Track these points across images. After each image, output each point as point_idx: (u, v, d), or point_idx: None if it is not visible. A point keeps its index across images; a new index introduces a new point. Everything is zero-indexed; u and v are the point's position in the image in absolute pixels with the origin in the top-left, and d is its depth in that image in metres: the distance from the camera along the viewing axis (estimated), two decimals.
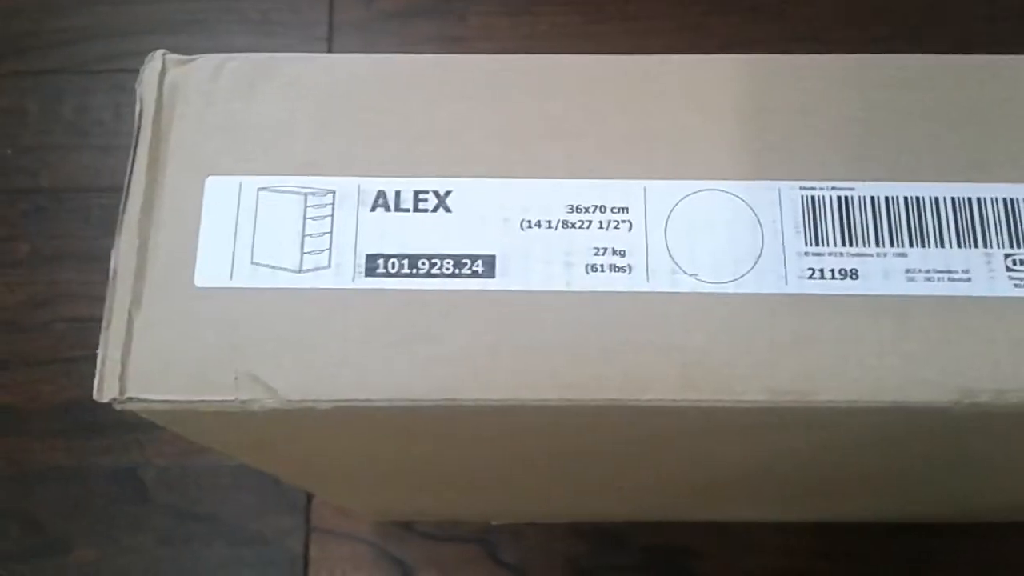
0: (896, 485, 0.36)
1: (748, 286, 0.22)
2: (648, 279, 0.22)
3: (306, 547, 0.56)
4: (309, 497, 0.55)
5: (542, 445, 0.27)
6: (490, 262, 0.22)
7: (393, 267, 0.21)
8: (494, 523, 0.57)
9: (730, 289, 0.22)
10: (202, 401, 0.20)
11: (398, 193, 0.22)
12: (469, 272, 0.21)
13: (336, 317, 0.21)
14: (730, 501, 0.44)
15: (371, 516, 0.56)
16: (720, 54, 0.24)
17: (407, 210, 0.22)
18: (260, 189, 0.22)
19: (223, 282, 0.21)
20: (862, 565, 0.54)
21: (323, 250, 0.21)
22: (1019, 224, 0.22)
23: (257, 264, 0.21)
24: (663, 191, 0.22)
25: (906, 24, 0.66)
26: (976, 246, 0.22)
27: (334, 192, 0.22)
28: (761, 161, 0.23)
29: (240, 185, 0.22)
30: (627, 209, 0.22)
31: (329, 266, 0.21)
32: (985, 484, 0.35)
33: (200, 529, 0.57)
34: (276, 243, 0.22)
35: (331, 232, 0.22)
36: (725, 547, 0.56)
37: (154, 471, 0.58)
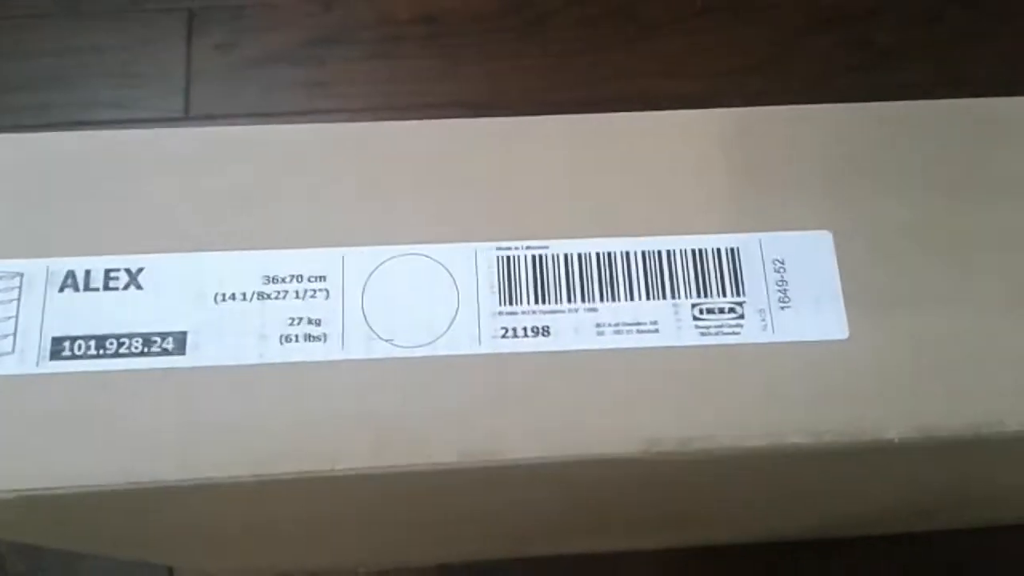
0: (712, 514, 0.36)
1: (443, 348, 0.22)
2: (343, 347, 0.22)
3: None
4: None
5: (293, 511, 0.26)
6: (180, 339, 0.22)
7: (79, 349, 0.21)
8: (361, 572, 0.56)
9: (425, 352, 0.22)
10: None
11: (88, 272, 0.22)
12: (159, 350, 0.21)
13: (18, 403, 0.21)
14: (575, 537, 0.44)
15: (234, 575, 0.55)
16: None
17: (97, 289, 0.22)
18: None
19: None
20: None
21: (7, 335, 0.21)
22: (706, 273, 0.23)
23: None
24: (362, 257, 0.23)
25: (763, 59, 0.68)
26: (665, 297, 0.22)
27: (22, 275, 0.22)
28: (460, 223, 0.23)
29: None
30: (325, 277, 0.22)
31: (13, 352, 0.21)
32: (758, 508, 0.36)
33: None
34: None
35: (16, 316, 0.21)
36: None
37: (8, 541, 0.57)
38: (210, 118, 0.67)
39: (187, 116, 0.67)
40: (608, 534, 0.44)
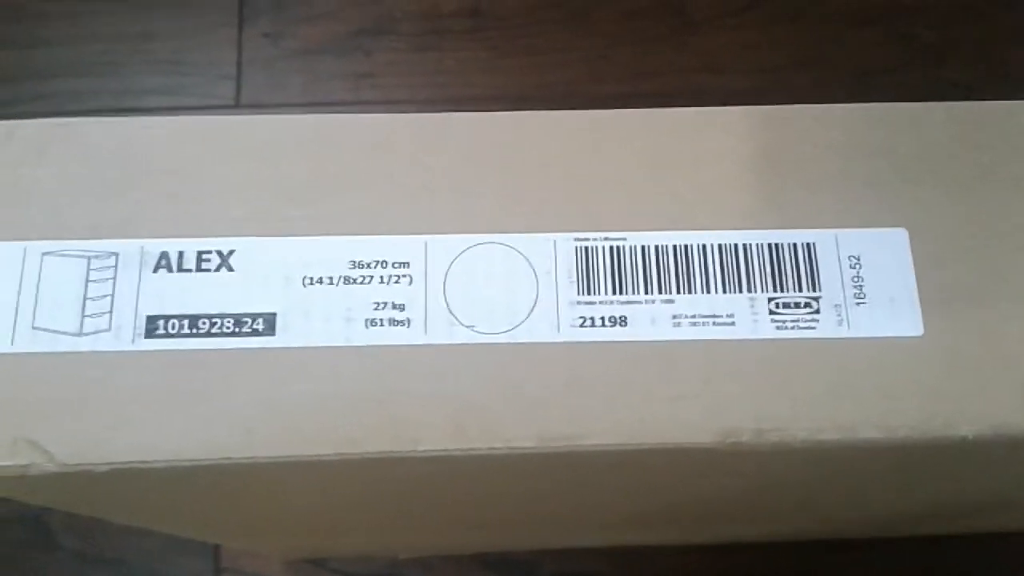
0: (767, 509, 0.37)
1: (522, 336, 0.22)
2: (426, 331, 0.22)
3: None
4: None
5: (378, 491, 0.27)
6: (270, 320, 0.22)
7: (173, 328, 0.22)
8: (402, 557, 0.57)
9: (505, 339, 0.22)
10: None
11: (181, 254, 0.23)
12: (249, 330, 0.22)
13: (114, 380, 0.22)
14: (621, 529, 0.45)
15: (281, 555, 0.56)
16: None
17: (190, 270, 0.22)
18: (44, 254, 0.22)
19: (3, 348, 0.22)
20: None
21: (104, 313, 0.22)
22: (782, 268, 0.23)
23: (38, 328, 0.22)
24: (444, 245, 0.23)
25: (810, 55, 0.67)
26: (741, 291, 0.23)
27: (117, 255, 0.23)
28: (538, 213, 0.23)
29: (25, 250, 0.22)
30: (408, 264, 0.23)
31: (110, 329, 0.22)
32: (838, 507, 0.36)
33: (107, 573, 0.57)
34: (58, 307, 0.22)
35: (113, 295, 0.22)
36: (631, 571, 0.56)
37: (59, 516, 0.58)
38: (260, 107, 0.68)
39: (238, 104, 0.68)
40: (651, 528, 0.44)
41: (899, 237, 0.23)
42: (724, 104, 0.24)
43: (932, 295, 0.23)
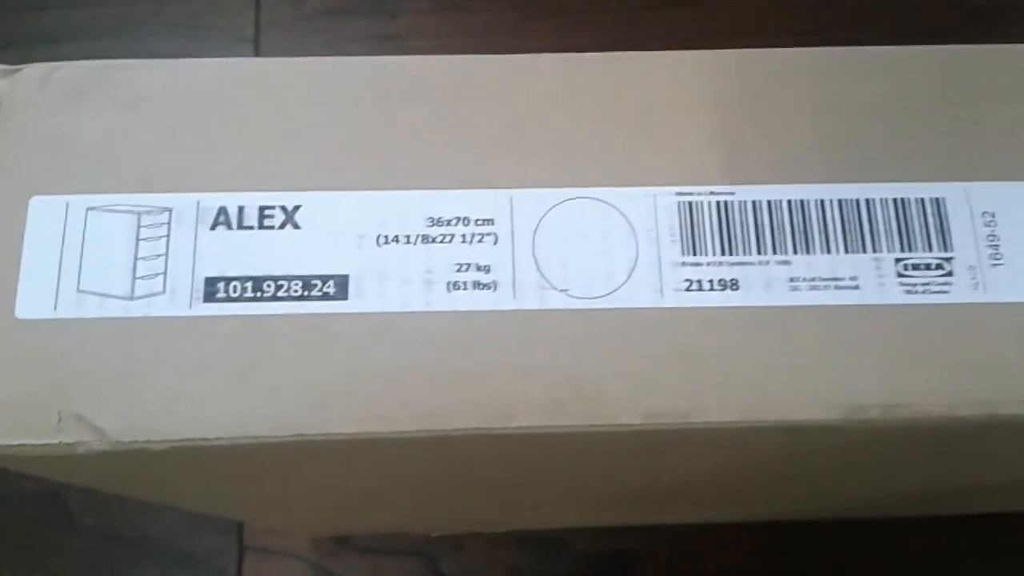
0: (830, 487, 0.35)
1: (622, 300, 0.20)
2: (514, 296, 0.20)
3: (239, 566, 0.55)
4: None
5: (452, 469, 0.25)
6: (342, 282, 0.20)
7: (235, 291, 0.20)
8: (434, 535, 0.55)
9: (602, 304, 0.20)
10: (22, 445, 0.19)
11: (241, 209, 0.20)
12: (319, 294, 0.20)
13: (170, 348, 0.19)
14: (668, 506, 0.43)
15: (307, 533, 0.54)
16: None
17: (251, 227, 0.20)
18: (89, 209, 0.20)
19: (46, 313, 0.19)
20: (806, 561, 0.53)
21: (157, 274, 0.20)
22: (910, 225, 0.21)
23: (84, 292, 0.19)
24: (531, 200, 0.21)
25: (845, 17, 0.65)
26: (865, 251, 0.20)
27: (171, 210, 0.20)
28: (637, 166, 0.21)
29: (67, 205, 0.20)
30: (492, 221, 0.21)
31: (164, 292, 0.20)
32: (926, 483, 0.34)
33: (128, 552, 0.55)
34: (106, 268, 0.20)
35: (166, 254, 0.20)
36: (668, 550, 0.54)
37: (77, 494, 0.56)
38: None
39: None
40: (701, 506, 0.42)
41: None
42: None
43: None
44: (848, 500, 0.40)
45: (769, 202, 0.21)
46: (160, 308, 0.20)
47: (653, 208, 0.21)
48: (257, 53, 0.67)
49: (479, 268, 0.20)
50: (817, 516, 0.50)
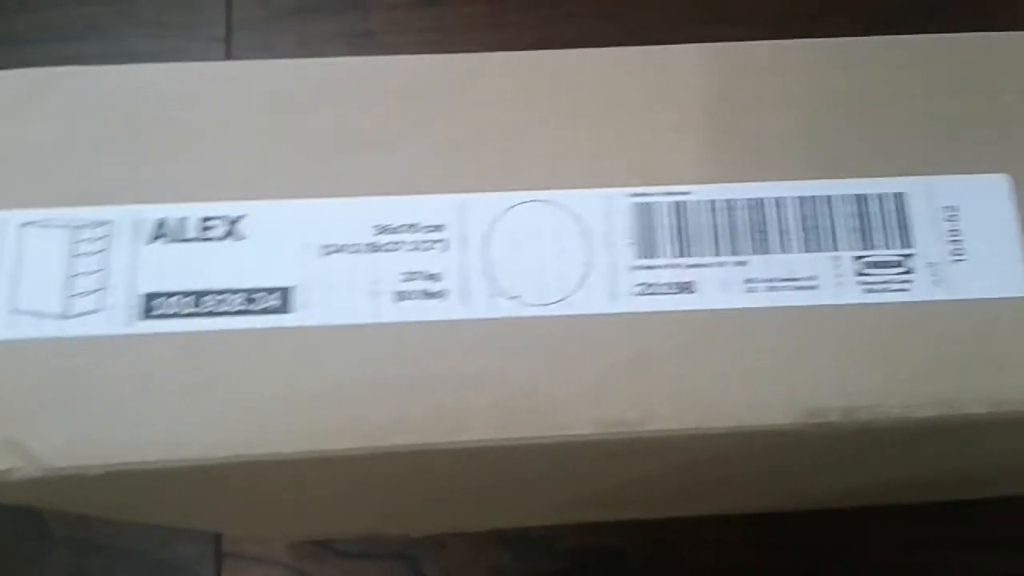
0: (802, 482, 0.34)
1: (574, 307, 0.19)
2: (464, 305, 0.19)
3: (218, 574, 0.54)
4: None
5: (409, 480, 0.24)
6: (286, 295, 0.19)
7: (174, 306, 0.19)
8: (414, 536, 0.55)
9: (555, 311, 0.19)
10: None
11: (182, 221, 0.20)
12: (262, 308, 0.19)
13: (107, 367, 0.19)
14: (640, 504, 0.42)
15: (285, 538, 0.54)
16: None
17: (192, 240, 0.19)
18: (24, 224, 0.19)
19: None
20: (795, 553, 0.52)
21: (94, 291, 0.19)
22: (870, 223, 0.20)
23: (18, 311, 0.19)
24: (483, 205, 0.20)
25: (829, 5, 0.64)
26: (823, 249, 0.20)
27: (109, 223, 0.19)
28: (593, 167, 0.20)
29: (3, 221, 0.19)
30: (443, 227, 0.20)
31: (101, 309, 0.19)
32: (898, 474, 0.34)
33: (104, 562, 0.54)
34: (41, 286, 0.19)
35: (104, 270, 0.19)
36: (652, 545, 0.54)
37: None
38: None
39: None
40: (676, 502, 0.42)
41: (1000, 184, 0.20)
42: None
43: None
44: (823, 493, 0.40)
45: (728, 201, 0.20)
46: (96, 326, 0.19)
47: (608, 210, 0.20)
48: (229, 53, 0.66)
49: (428, 276, 0.20)
50: (797, 508, 0.50)
